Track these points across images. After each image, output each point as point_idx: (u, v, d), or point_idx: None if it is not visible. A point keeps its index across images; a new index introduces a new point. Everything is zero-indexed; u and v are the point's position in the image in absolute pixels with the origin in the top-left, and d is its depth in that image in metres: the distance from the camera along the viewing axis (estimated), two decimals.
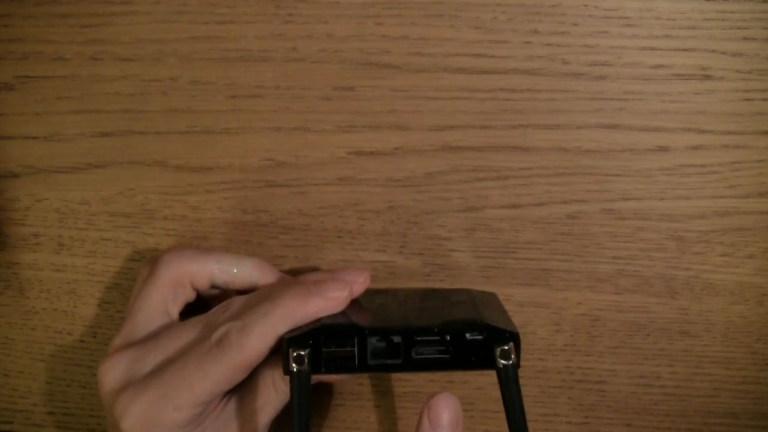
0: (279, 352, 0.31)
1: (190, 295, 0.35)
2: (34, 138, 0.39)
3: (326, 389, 0.39)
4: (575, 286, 0.38)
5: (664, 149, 0.36)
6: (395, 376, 0.39)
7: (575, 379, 0.38)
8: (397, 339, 0.31)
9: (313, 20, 0.36)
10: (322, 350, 0.30)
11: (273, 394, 0.33)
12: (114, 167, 0.39)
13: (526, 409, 0.30)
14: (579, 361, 0.38)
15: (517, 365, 0.30)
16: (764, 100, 0.35)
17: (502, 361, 0.30)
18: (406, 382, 0.39)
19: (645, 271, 0.37)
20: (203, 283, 0.35)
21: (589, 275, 0.37)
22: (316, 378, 0.33)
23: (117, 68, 0.38)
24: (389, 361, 0.31)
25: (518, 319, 0.38)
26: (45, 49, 0.38)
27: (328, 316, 0.32)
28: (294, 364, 0.30)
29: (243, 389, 0.33)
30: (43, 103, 0.39)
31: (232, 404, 0.33)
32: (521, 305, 0.38)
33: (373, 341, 0.31)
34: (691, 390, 0.38)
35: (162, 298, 0.34)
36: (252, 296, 0.34)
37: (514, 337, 0.30)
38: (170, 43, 0.37)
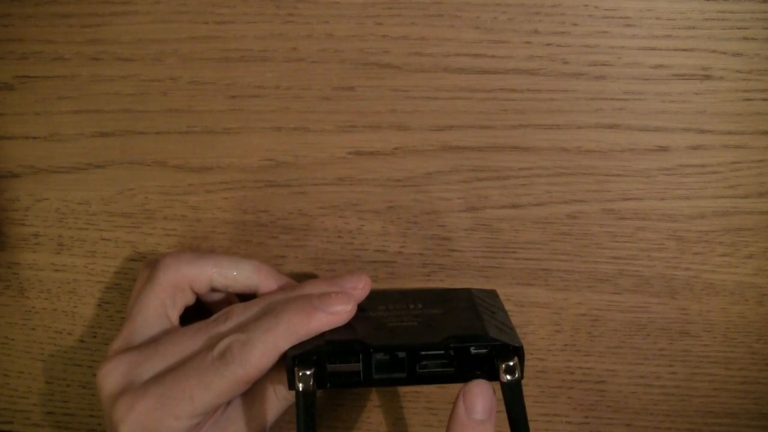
0: (283, 365, 0.31)
1: (189, 299, 0.35)
2: (34, 138, 0.39)
3: (326, 389, 0.39)
4: (575, 286, 0.38)
5: (664, 149, 0.36)
6: None
7: (575, 379, 0.38)
8: (401, 354, 0.31)
9: (313, 20, 0.36)
10: (327, 366, 0.31)
11: (274, 400, 0.33)
12: (114, 167, 0.39)
13: (526, 409, 0.30)
14: (579, 361, 0.38)
15: (521, 379, 0.30)
16: (764, 100, 0.35)
17: (507, 377, 0.30)
18: None
19: (645, 271, 0.37)
20: (202, 287, 0.35)
21: (589, 275, 0.37)
22: None
23: (117, 68, 0.38)
24: (394, 375, 0.31)
25: (518, 319, 0.38)
26: (45, 49, 0.38)
27: (332, 331, 0.32)
28: (300, 383, 0.30)
29: (244, 395, 0.33)
30: (43, 103, 0.38)
31: (232, 409, 0.33)
32: (521, 305, 0.38)
33: (377, 356, 0.31)
34: (691, 390, 0.38)
35: (161, 303, 0.34)
36: (254, 306, 0.33)
37: (518, 352, 0.30)
38: (170, 43, 0.37)
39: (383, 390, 0.39)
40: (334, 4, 0.36)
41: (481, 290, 0.37)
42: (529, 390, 0.38)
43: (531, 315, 0.38)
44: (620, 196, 0.37)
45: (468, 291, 0.36)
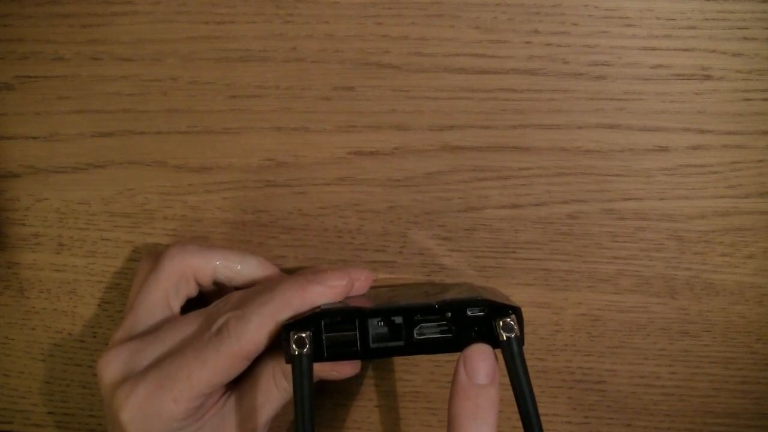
0: (280, 347, 0.31)
1: (192, 290, 0.35)
2: (34, 138, 0.39)
3: (326, 389, 0.39)
4: (575, 286, 0.38)
5: (664, 149, 0.36)
6: (395, 375, 0.39)
7: (575, 379, 0.38)
8: (398, 320, 0.30)
9: (313, 20, 0.36)
10: (323, 336, 0.30)
11: (274, 390, 0.33)
12: (114, 167, 0.39)
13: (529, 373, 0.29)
14: (579, 361, 0.38)
15: (521, 339, 0.29)
16: (764, 100, 0.35)
17: (505, 334, 0.29)
18: (405, 382, 0.39)
19: (645, 271, 0.37)
20: (206, 279, 0.35)
21: (589, 275, 0.37)
22: (317, 376, 0.33)
23: (117, 68, 0.38)
24: (392, 344, 0.31)
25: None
26: (45, 49, 0.38)
27: (328, 304, 0.32)
28: (295, 347, 0.29)
29: (243, 386, 0.33)
30: (43, 103, 0.39)
31: (231, 401, 0.33)
32: (521, 305, 0.38)
33: (374, 324, 0.31)
34: (691, 390, 0.38)
35: (164, 292, 0.34)
36: (252, 289, 0.34)
37: (515, 311, 0.30)
38: (170, 43, 0.37)
39: (383, 390, 0.39)
40: (334, 4, 0.36)
41: (482, 285, 0.37)
42: None
43: (531, 315, 0.38)
44: (620, 196, 0.37)
45: (469, 283, 0.36)
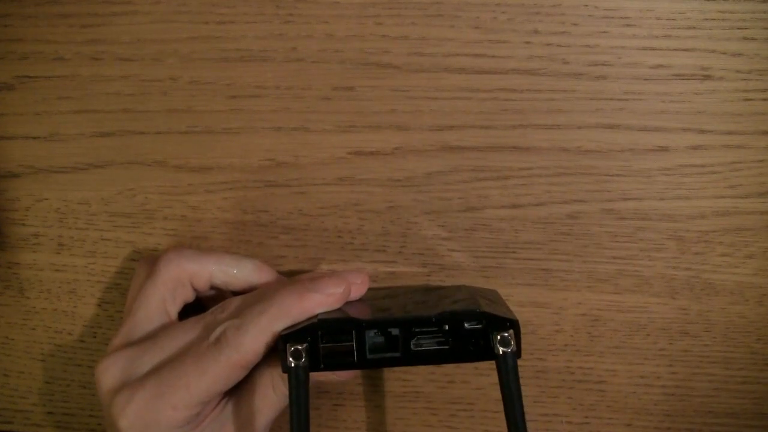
0: (278, 352, 0.31)
1: (189, 295, 0.35)
2: (34, 138, 0.39)
3: (325, 390, 0.39)
4: (575, 286, 0.38)
5: (664, 149, 0.36)
6: (395, 375, 0.39)
7: (575, 379, 0.38)
8: (395, 331, 0.30)
9: (313, 20, 0.36)
10: (320, 346, 0.30)
11: (272, 395, 0.33)
12: (114, 167, 0.39)
13: (526, 409, 0.30)
14: (579, 361, 0.38)
15: (516, 353, 0.29)
16: (764, 100, 0.35)
17: (502, 349, 0.29)
18: (405, 382, 0.39)
19: (645, 271, 0.37)
20: (203, 284, 0.35)
21: (589, 275, 0.37)
22: (315, 380, 0.33)
23: (117, 68, 0.38)
24: (388, 355, 0.31)
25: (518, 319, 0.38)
26: (45, 49, 0.38)
27: (325, 313, 0.32)
28: (291, 359, 0.30)
29: (242, 391, 0.33)
30: (43, 103, 0.39)
31: (230, 406, 0.33)
32: (521, 305, 0.38)
33: (371, 335, 0.31)
34: (691, 390, 0.38)
35: (161, 298, 0.34)
36: (250, 295, 0.34)
37: (513, 325, 0.30)
38: (170, 43, 0.37)
39: (383, 390, 0.39)
40: (334, 4, 0.36)
41: (481, 288, 0.37)
42: (529, 390, 0.38)
43: (531, 315, 0.38)
44: (620, 196, 0.37)
45: (467, 286, 0.36)
